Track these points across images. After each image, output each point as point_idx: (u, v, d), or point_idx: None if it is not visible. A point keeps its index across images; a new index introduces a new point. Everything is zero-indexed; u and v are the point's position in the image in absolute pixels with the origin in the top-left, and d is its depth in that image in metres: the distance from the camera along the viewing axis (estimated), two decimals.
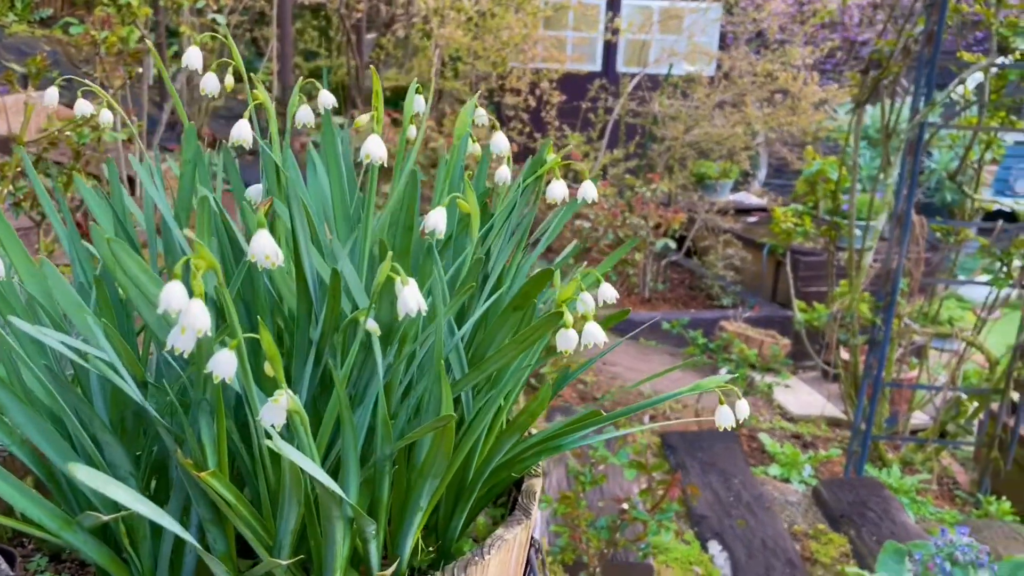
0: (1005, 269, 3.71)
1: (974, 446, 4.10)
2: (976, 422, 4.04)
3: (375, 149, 0.68)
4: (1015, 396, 3.75)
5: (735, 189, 6.24)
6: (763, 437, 3.99)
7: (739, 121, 5.06)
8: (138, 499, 0.61)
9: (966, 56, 3.81)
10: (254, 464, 0.77)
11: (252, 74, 0.85)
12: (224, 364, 0.62)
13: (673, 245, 4.90)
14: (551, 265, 0.81)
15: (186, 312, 0.55)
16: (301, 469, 0.62)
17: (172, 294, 0.54)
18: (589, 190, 0.82)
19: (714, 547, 2.91)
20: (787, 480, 3.80)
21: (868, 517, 3.39)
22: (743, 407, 0.71)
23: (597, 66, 7.21)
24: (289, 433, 0.72)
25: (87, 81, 0.89)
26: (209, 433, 0.69)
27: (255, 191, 0.87)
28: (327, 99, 0.85)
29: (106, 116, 0.89)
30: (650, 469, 1.92)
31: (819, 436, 4.27)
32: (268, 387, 0.71)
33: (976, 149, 3.74)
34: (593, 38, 7.32)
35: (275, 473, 0.75)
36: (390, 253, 0.64)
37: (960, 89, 3.63)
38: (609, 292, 0.73)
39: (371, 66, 0.87)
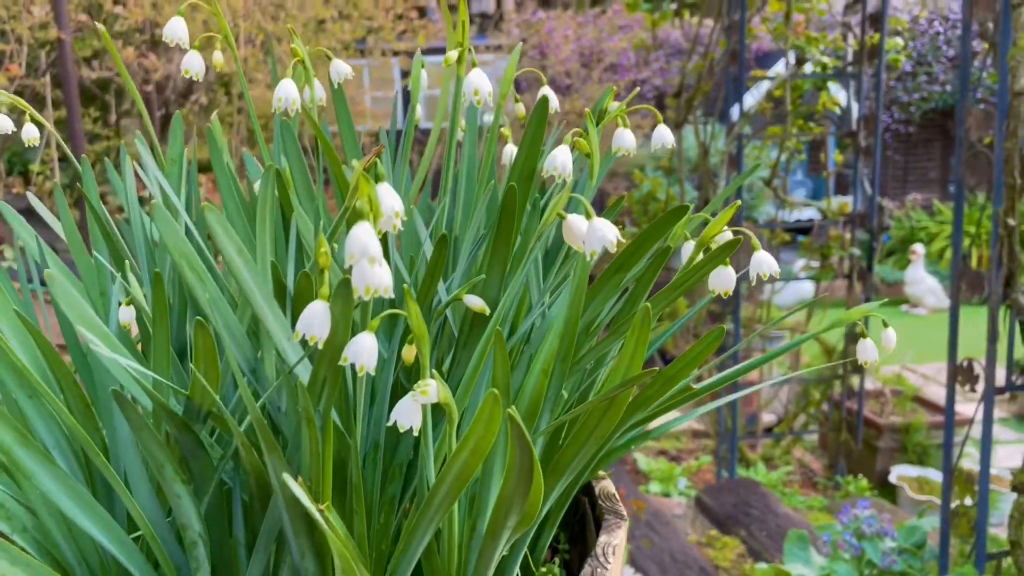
0: (822, 263, 4.00)
1: (818, 434, 4.35)
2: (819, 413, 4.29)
3: (482, 83, 0.57)
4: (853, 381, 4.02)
5: None
6: (637, 456, 4.03)
7: None
8: None
9: (757, 72, 4.13)
10: (348, 489, 0.62)
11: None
12: (367, 350, 0.49)
13: None
14: None
15: (376, 264, 0.42)
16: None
17: (367, 238, 0.41)
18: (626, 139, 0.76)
19: (627, 571, 2.86)
20: (667, 495, 3.84)
21: (752, 515, 3.48)
22: (890, 336, 0.66)
23: (400, 124, 7.20)
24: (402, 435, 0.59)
25: None
26: (320, 458, 0.55)
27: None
28: (343, 69, 0.73)
29: None
30: None
31: (683, 449, 4.37)
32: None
33: (783, 157, 4.03)
34: (390, 97, 7.31)
35: (387, 497, 0.62)
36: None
37: (742, 108, 3.91)
38: (726, 236, 0.65)
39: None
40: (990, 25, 2.43)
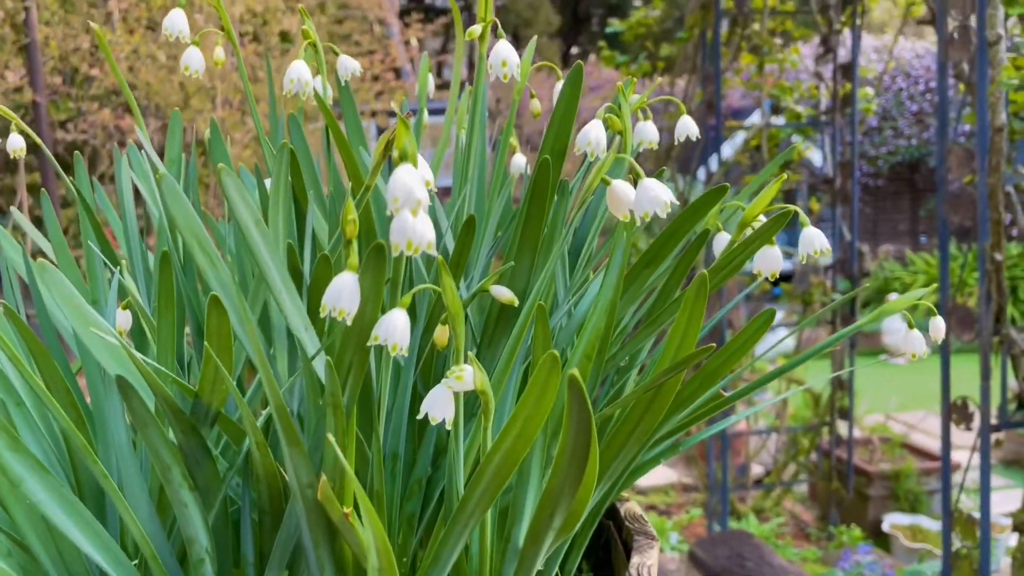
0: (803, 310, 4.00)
1: (808, 483, 4.29)
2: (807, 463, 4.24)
3: (509, 54, 0.54)
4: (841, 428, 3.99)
5: None
6: None
7: None
8: None
9: (732, 123, 4.18)
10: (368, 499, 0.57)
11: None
12: (399, 328, 0.44)
13: None
14: None
15: (418, 216, 0.37)
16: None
17: (411, 181, 0.37)
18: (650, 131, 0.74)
19: None
20: (660, 550, 3.75)
21: (747, 567, 3.40)
22: (939, 325, 0.62)
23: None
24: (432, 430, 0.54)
25: None
26: (341, 459, 0.50)
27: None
28: (351, 64, 0.70)
29: None
30: None
31: (671, 503, 4.29)
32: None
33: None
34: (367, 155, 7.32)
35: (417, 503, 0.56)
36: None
37: (716, 160, 3.96)
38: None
39: None
40: (965, 66, 2.47)
